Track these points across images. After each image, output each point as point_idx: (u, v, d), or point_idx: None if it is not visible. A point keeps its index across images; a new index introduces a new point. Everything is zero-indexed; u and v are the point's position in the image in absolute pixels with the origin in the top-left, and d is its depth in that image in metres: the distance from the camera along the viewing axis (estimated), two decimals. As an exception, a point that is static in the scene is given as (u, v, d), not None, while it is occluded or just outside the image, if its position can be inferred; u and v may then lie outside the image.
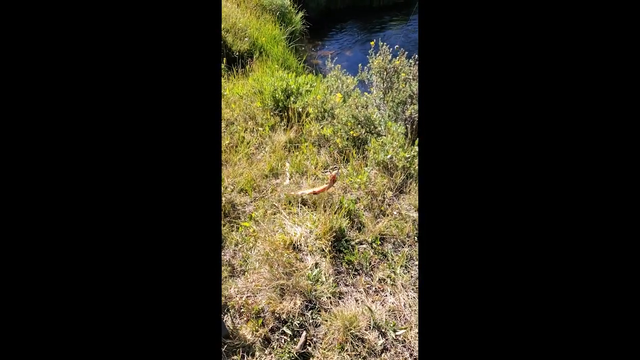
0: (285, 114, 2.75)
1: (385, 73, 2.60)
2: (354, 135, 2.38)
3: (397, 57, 2.65)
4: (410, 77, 2.50)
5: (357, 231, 1.90)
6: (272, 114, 2.81)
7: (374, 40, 2.78)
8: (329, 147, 2.49)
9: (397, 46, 2.72)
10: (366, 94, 2.73)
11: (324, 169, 2.38)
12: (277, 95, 2.79)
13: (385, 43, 2.66)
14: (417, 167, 2.15)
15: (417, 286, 1.64)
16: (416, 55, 2.67)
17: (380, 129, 2.46)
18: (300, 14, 5.82)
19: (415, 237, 1.88)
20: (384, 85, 2.62)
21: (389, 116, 2.48)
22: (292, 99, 2.77)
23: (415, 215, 1.99)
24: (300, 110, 2.71)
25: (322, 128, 2.51)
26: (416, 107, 2.34)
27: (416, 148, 2.17)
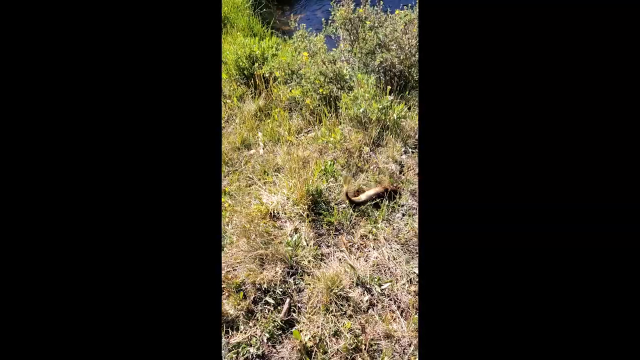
0: (252, 81, 2.62)
1: (350, 24, 2.45)
2: (324, 93, 2.26)
3: (361, 6, 2.49)
4: (376, 24, 2.36)
5: (336, 192, 1.83)
6: (238, 84, 2.68)
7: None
8: (301, 109, 2.38)
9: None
10: (334, 49, 2.59)
11: (298, 133, 2.28)
12: (241, 63, 2.65)
13: (346, -8, 2.49)
14: (391, 118, 2.05)
15: (399, 238, 1.59)
16: (381, 1, 2.52)
17: (351, 83, 2.34)
18: (264, -22, 5.51)
19: (397, 187, 1.81)
20: (350, 37, 2.48)
21: (358, 68, 2.36)
22: (257, 65, 2.63)
23: (394, 167, 1.91)
24: (267, 75, 2.58)
25: (290, 90, 2.38)
26: (384, 55, 2.21)
27: (389, 97, 2.07)
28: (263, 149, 2.20)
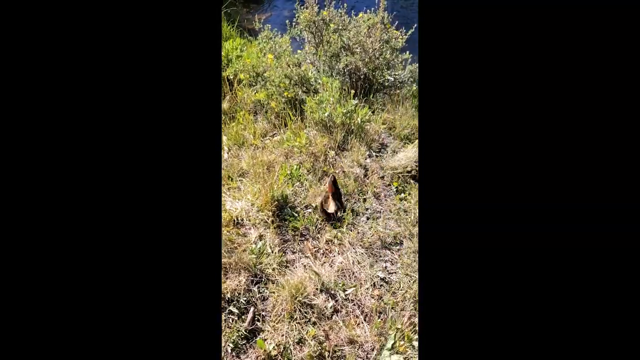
0: (216, 84, 2.56)
1: (314, 26, 2.44)
2: (289, 96, 2.25)
3: (326, 8, 2.49)
4: (340, 27, 2.36)
5: (302, 196, 1.83)
6: (202, 86, 2.61)
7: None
8: (266, 112, 2.36)
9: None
10: (299, 51, 2.58)
11: (263, 137, 2.26)
12: (204, 65, 2.58)
13: (311, -6, 2.48)
14: (356, 122, 2.07)
15: (364, 242, 1.61)
16: (345, 4, 2.53)
17: (316, 85, 2.34)
18: (229, -24, 5.40)
19: (359, 193, 1.83)
20: (315, 39, 2.48)
21: (323, 71, 2.36)
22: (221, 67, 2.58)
23: (358, 170, 1.93)
24: (231, 77, 2.53)
25: (255, 93, 2.36)
26: (349, 58, 2.22)
27: (353, 101, 2.09)
28: (227, 153, 2.16)
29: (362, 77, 2.34)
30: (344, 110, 2.05)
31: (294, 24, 2.59)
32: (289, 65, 2.35)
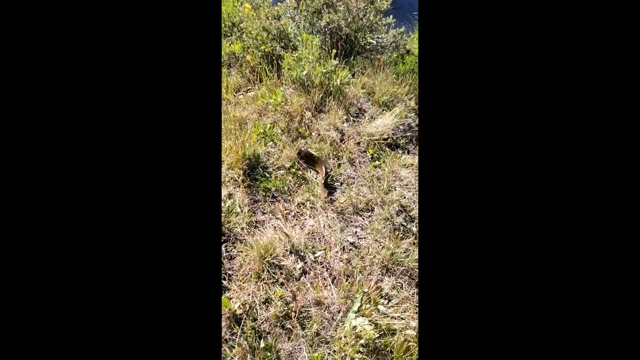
0: (187, 30, 2.38)
1: (297, -23, 2.29)
2: (266, 50, 2.13)
3: (311, -42, 2.33)
4: (325, -20, 2.23)
5: (275, 157, 1.77)
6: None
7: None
8: (240, 66, 2.22)
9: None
10: (279, 4, 2.42)
11: (236, 92, 2.14)
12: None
13: (295, -60, 2.30)
14: (335, 84, 2.00)
15: (336, 206, 1.59)
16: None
17: (296, 42, 2.22)
18: None
19: (335, 158, 1.79)
20: (297, -8, 2.33)
21: (304, 27, 2.24)
22: (193, 12, 2.38)
23: (335, 135, 1.88)
24: (204, 25, 2.35)
25: (229, 44, 2.21)
26: (331, 16, 2.11)
27: (334, 61, 2.00)
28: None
29: (343, 37, 2.24)
30: (324, 70, 1.96)
31: (275, -28, 2.42)
32: (267, 18, 2.20)
